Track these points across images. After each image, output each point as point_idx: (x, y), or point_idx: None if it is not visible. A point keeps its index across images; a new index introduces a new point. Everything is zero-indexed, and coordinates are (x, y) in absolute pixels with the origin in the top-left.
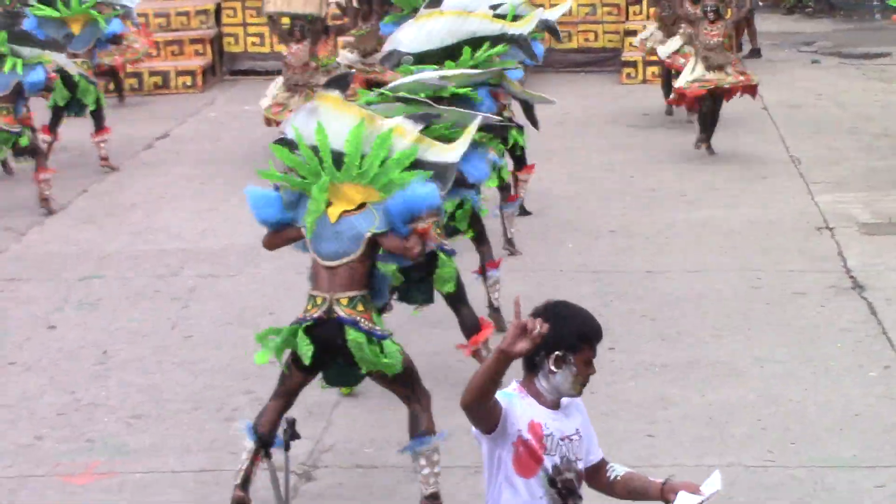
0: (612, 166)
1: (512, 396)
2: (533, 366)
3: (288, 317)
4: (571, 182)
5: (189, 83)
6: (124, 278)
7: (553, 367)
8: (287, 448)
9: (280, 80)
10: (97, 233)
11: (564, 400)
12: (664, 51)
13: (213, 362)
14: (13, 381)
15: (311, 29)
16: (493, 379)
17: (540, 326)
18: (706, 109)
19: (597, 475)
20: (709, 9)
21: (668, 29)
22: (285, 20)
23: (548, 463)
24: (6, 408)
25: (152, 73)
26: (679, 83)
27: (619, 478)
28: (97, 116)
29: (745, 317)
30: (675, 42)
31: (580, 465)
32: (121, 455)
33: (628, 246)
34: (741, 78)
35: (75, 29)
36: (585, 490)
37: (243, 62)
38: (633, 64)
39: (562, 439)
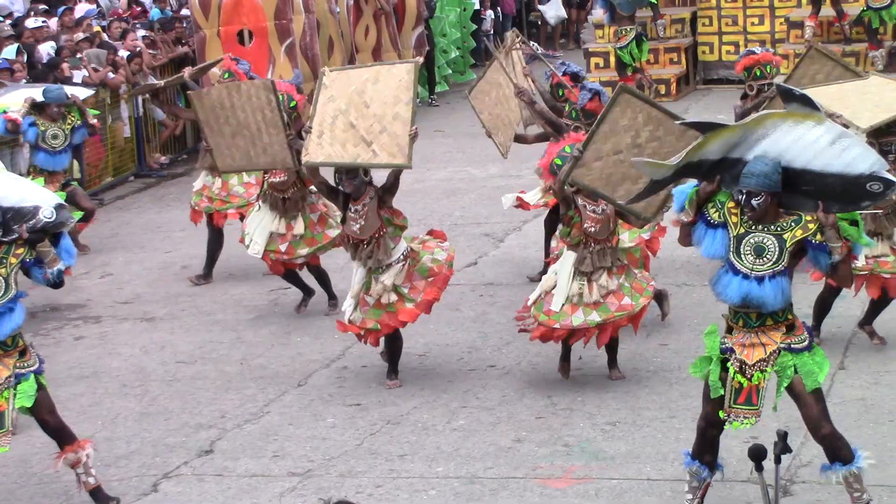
0: None
1: None
2: None
3: None
4: None
5: (663, 91)
6: None
7: None
8: (778, 461)
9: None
10: None
11: None
12: None
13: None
14: (493, 384)
15: None
16: None
17: None
18: None
19: None
20: None
21: None
22: None
23: None
24: (487, 410)
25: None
26: None
27: None
28: None
29: None
30: None
31: None
32: (597, 461)
33: None
34: None
35: None
36: None
37: (717, 71)
38: None
39: None
